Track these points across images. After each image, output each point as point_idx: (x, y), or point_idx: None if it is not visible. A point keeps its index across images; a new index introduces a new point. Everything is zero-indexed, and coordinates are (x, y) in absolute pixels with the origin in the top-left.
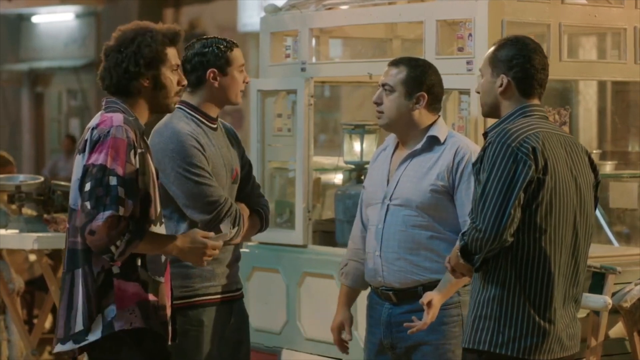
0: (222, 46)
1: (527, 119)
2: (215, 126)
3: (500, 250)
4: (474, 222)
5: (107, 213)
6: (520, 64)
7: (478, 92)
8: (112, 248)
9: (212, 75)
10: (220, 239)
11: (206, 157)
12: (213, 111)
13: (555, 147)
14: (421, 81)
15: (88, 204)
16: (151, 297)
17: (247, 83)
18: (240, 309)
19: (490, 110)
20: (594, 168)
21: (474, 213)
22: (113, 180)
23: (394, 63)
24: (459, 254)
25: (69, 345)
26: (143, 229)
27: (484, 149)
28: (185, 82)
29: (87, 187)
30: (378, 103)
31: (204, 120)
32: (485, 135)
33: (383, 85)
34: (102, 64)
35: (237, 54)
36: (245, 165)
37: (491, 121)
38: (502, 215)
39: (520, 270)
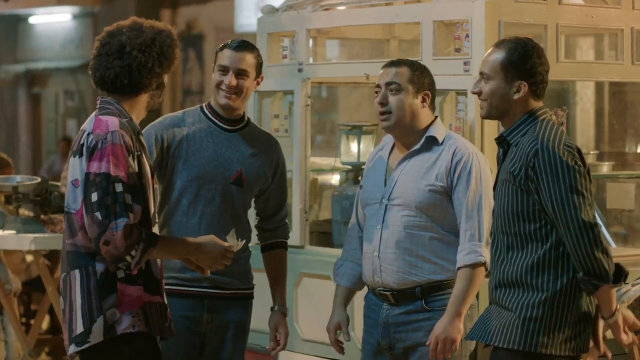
0: None
1: (547, 123)
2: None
3: (550, 253)
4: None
5: (122, 222)
6: (539, 71)
7: (476, 94)
8: (128, 258)
9: None
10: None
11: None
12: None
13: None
14: (424, 81)
15: (99, 215)
16: (156, 298)
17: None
18: None
19: (500, 115)
20: None
21: (566, 235)
22: (119, 187)
23: (396, 63)
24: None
25: (73, 348)
26: (155, 236)
27: (532, 158)
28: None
29: (94, 197)
30: (384, 103)
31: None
32: (501, 140)
33: (388, 84)
34: (112, 61)
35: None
36: (274, 184)
37: (488, 122)
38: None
39: (570, 271)
